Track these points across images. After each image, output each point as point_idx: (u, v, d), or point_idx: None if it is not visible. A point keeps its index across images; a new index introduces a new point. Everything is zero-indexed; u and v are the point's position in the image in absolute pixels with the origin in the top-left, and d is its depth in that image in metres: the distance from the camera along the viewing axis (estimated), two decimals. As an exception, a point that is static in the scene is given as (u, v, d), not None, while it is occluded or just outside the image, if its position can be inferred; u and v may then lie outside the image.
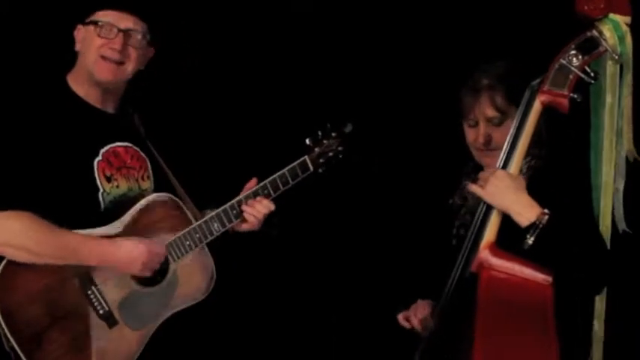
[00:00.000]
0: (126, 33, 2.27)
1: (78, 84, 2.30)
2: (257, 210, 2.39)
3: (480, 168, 2.28)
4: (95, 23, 2.26)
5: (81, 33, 2.30)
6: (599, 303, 2.21)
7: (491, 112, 2.17)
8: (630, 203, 2.19)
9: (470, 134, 2.23)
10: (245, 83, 3.12)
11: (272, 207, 2.41)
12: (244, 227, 2.44)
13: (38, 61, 2.68)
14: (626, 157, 2.15)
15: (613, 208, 2.17)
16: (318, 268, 3.22)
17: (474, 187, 2.07)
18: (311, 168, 2.47)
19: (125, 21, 2.28)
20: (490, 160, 2.18)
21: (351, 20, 3.10)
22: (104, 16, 2.27)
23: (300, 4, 3.10)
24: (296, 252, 3.16)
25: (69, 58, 2.33)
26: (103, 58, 2.26)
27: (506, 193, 2.01)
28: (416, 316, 2.32)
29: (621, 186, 2.16)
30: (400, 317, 2.37)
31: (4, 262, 2.10)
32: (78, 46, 2.30)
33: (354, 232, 3.20)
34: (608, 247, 2.13)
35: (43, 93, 2.27)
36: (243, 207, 2.39)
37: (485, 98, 2.16)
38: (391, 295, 2.59)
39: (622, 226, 2.18)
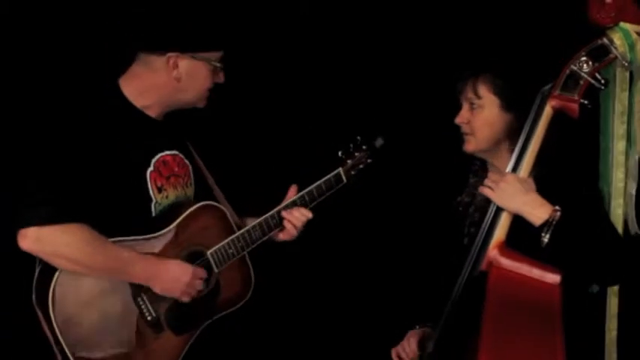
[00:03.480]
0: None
1: (141, 96, 2.28)
2: (296, 217, 2.43)
3: (486, 165, 2.34)
4: (210, 63, 2.27)
5: (187, 65, 2.25)
6: (612, 305, 2.25)
7: (470, 94, 2.25)
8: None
9: None
10: (282, 92, 3.18)
11: (310, 215, 2.46)
12: (282, 237, 2.48)
13: (91, 67, 2.69)
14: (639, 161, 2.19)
15: (626, 213, 2.20)
16: (326, 269, 3.25)
17: (485, 190, 2.12)
18: (344, 180, 2.53)
19: (222, 55, 2.33)
20: (468, 145, 2.27)
21: (372, 33, 3.15)
22: (216, 56, 2.30)
23: (332, 20, 3.16)
24: (306, 255, 3.19)
25: (119, 62, 2.31)
26: (209, 91, 2.34)
27: (516, 196, 2.06)
28: (405, 351, 2.38)
29: (634, 190, 2.20)
30: (393, 354, 2.43)
31: (59, 269, 2.12)
32: (176, 74, 2.24)
33: (363, 234, 3.22)
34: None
35: (100, 102, 2.25)
36: (283, 214, 2.44)
37: (470, 82, 2.26)
38: (403, 297, 2.62)
39: (634, 229, 2.21)
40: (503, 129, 2.23)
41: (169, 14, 2.25)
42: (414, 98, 3.11)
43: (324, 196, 2.49)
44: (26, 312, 2.19)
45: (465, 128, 2.27)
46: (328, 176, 2.50)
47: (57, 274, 2.11)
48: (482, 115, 2.24)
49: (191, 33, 2.26)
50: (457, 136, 2.32)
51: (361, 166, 2.56)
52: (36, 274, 2.18)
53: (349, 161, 2.54)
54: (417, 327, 2.45)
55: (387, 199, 3.20)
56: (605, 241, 2.08)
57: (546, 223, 2.00)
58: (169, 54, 2.23)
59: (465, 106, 2.27)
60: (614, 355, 2.27)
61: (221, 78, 2.35)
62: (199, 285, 2.30)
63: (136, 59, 2.28)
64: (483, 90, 2.23)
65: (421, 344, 2.38)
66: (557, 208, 2.02)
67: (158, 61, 2.25)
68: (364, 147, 2.57)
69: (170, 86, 2.27)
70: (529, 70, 2.25)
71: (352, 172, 2.55)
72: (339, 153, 2.54)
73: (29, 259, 2.16)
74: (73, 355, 2.12)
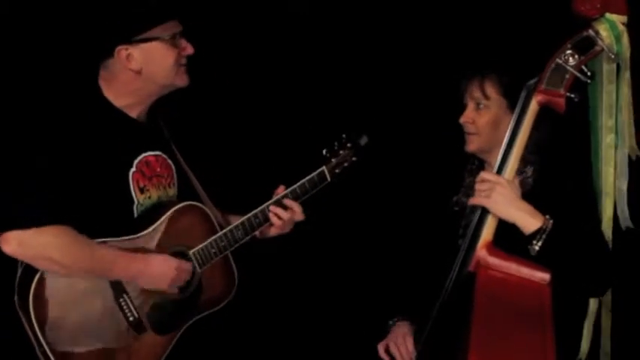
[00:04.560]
0: (183, 37, 2.30)
1: (120, 96, 2.27)
2: (286, 212, 2.44)
3: (482, 165, 2.29)
4: (161, 39, 2.22)
5: (140, 53, 2.21)
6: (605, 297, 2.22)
7: (477, 94, 2.23)
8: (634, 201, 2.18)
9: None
10: (264, 90, 3.16)
11: (301, 210, 2.46)
12: (273, 231, 2.49)
13: (71, 70, 2.63)
14: (629, 156, 2.15)
15: (616, 208, 2.17)
16: (323, 269, 3.24)
17: (478, 200, 2.06)
18: (328, 178, 2.53)
19: (178, 26, 2.28)
20: (471, 145, 2.26)
21: (363, 30, 3.13)
22: (167, 28, 2.24)
23: (318, 19, 3.14)
24: (301, 253, 3.17)
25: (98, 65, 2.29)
26: (182, 66, 2.29)
27: (511, 203, 2.02)
28: (400, 350, 2.34)
29: (624, 185, 2.16)
30: (380, 349, 2.41)
31: (39, 271, 2.12)
32: (134, 66, 2.21)
33: (358, 234, 3.21)
34: (610, 248, 2.14)
35: (79, 104, 2.24)
36: (272, 209, 2.43)
37: (476, 81, 2.23)
38: (396, 298, 2.59)
39: (626, 223, 2.17)
40: (506, 130, 2.17)
41: (93, 17, 2.23)
42: (413, 98, 3.10)
43: (308, 195, 2.49)
44: (12, 314, 2.19)
45: (469, 128, 2.25)
46: (312, 175, 2.50)
47: (37, 275, 2.11)
48: (488, 116, 2.22)
49: (124, 22, 2.21)
50: (454, 135, 2.29)
51: (346, 165, 2.56)
52: (18, 275, 2.18)
53: (334, 160, 2.54)
54: (395, 320, 2.42)
55: (384, 198, 3.19)
56: (593, 255, 2.04)
57: (539, 231, 1.98)
58: (117, 50, 2.20)
59: (471, 106, 2.25)
60: (608, 349, 2.24)
61: (187, 49, 2.29)
62: (187, 276, 2.29)
63: (101, 66, 2.27)
64: (491, 91, 2.21)
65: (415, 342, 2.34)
66: (547, 217, 1.99)
67: (113, 63, 2.23)
68: (349, 145, 2.56)
69: (137, 80, 2.24)
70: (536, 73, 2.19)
71: (337, 171, 2.54)
72: (324, 151, 2.54)
73: (14, 260, 2.15)
74: (55, 356, 2.12)
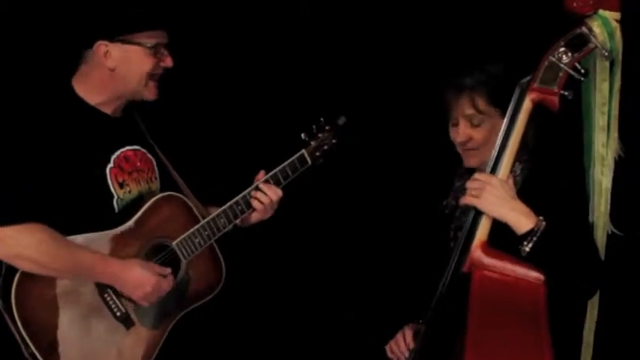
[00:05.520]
0: (166, 48, 2.30)
1: (93, 93, 2.27)
2: (266, 197, 2.45)
3: (471, 168, 2.27)
4: (142, 45, 2.23)
5: (118, 52, 2.23)
6: (590, 307, 2.20)
7: (470, 111, 2.17)
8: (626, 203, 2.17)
9: (452, 133, 2.24)
10: (240, 79, 3.16)
11: (280, 193, 2.48)
12: (255, 217, 2.50)
13: (43, 68, 2.67)
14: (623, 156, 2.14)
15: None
16: (313, 272, 3.24)
17: (468, 199, 2.03)
18: (309, 161, 2.55)
19: (165, 37, 2.29)
20: (473, 160, 2.20)
21: (345, 19, 3.11)
22: (152, 37, 2.25)
23: (294, 3, 3.11)
24: (291, 256, 3.16)
25: (72, 63, 2.31)
26: (153, 77, 2.29)
27: (503, 202, 1.99)
28: (399, 348, 2.33)
29: (609, 184, 2.13)
30: (388, 350, 2.38)
31: (20, 270, 2.11)
32: (110, 64, 2.23)
33: (349, 238, 3.21)
34: (604, 249, 2.13)
35: (52, 102, 2.25)
36: (253, 194, 2.44)
37: (465, 98, 2.16)
38: (389, 302, 2.59)
39: (609, 227, 2.15)
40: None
41: (87, 6, 2.25)
42: (400, 102, 3.07)
43: (289, 179, 2.51)
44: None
45: (468, 145, 2.19)
46: (292, 159, 2.52)
47: (17, 276, 2.09)
48: (486, 129, 2.17)
49: (111, 19, 2.22)
50: (444, 139, 2.26)
51: (326, 147, 2.58)
52: (1, 277, 2.16)
53: (313, 142, 2.57)
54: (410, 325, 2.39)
55: (374, 202, 3.18)
56: (582, 256, 2.03)
57: (531, 232, 1.96)
58: (97, 44, 2.22)
59: (463, 123, 2.19)
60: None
61: (167, 62, 2.30)
62: (162, 293, 2.27)
63: (82, 59, 2.28)
64: (483, 104, 2.15)
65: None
66: (541, 218, 1.97)
67: (92, 55, 2.24)
68: (327, 127, 2.58)
69: (110, 78, 2.25)
70: (520, 67, 2.15)
71: (317, 154, 2.57)
72: (302, 135, 2.55)
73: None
74: (43, 357, 2.10)
